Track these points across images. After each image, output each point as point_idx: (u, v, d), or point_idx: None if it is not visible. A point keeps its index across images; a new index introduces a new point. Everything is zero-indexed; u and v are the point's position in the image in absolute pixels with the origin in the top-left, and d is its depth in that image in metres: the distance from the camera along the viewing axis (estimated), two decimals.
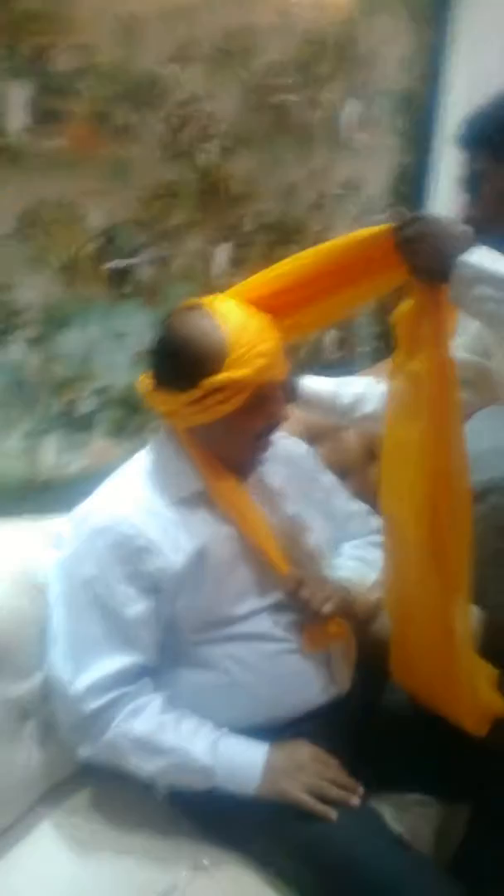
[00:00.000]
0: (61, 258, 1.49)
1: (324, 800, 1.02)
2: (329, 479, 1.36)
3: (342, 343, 2.43)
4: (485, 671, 1.25)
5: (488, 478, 1.85)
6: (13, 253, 1.44)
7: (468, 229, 1.01)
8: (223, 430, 1.09)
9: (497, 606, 1.81)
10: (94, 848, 1.09)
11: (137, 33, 1.52)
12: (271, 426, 1.12)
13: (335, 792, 1.03)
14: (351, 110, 2.21)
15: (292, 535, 1.20)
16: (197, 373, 1.04)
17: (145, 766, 1.05)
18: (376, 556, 1.28)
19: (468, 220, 1.15)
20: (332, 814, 1.01)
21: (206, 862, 1.06)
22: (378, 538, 1.34)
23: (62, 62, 1.40)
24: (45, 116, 1.40)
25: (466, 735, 1.12)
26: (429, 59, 2.50)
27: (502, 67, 2.52)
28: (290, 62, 1.92)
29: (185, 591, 1.08)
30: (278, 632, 1.13)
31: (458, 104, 2.51)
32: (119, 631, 1.06)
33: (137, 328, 1.68)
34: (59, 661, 1.07)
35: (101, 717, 1.05)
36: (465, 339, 1.33)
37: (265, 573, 1.13)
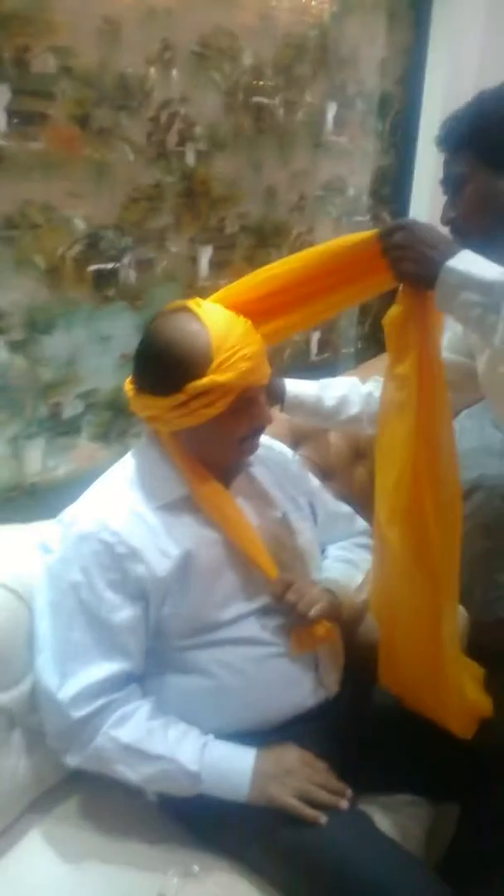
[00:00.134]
0: (45, 261, 1.49)
1: (313, 804, 1.02)
2: (314, 481, 1.36)
3: (326, 344, 2.44)
4: (471, 671, 1.26)
5: (474, 476, 1.86)
6: None
7: (451, 239, 1.02)
8: (207, 434, 1.09)
9: (483, 605, 1.83)
10: (84, 856, 1.08)
11: (117, 36, 1.52)
12: (255, 430, 1.12)
13: (324, 796, 1.03)
14: (331, 112, 2.22)
15: (278, 539, 1.20)
16: (181, 377, 1.04)
17: (133, 774, 1.04)
18: (362, 558, 1.28)
19: (449, 222, 1.16)
20: (322, 818, 1.01)
21: (196, 868, 1.05)
22: (364, 539, 1.35)
23: (41, 65, 1.39)
24: (26, 119, 1.39)
25: (454, 736, 1.12)
26: (407, 62, 2.52)
27: (479, 70, 2.55)
28: (271, 65, 1.93)
29: (171, 596, 1.08)
30: (265, 636, 1.13)
31: (436, 106, 2.53)
32: (105, 638, 1.05)
33: (122, 331, 1.68)
34: (45, 669, 1.07)
35: (88, 725, 1.04)
36: (449, 339, 1.34)
37: (251, 577, 1.13)
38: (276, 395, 1.33)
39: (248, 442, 1.13)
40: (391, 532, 1.07)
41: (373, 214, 2.55)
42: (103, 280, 1.62)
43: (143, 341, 1.10)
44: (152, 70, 1.60)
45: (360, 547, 1.34)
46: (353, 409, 1.36)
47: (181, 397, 1.04)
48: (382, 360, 1.14)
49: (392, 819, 1.18)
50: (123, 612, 1.06)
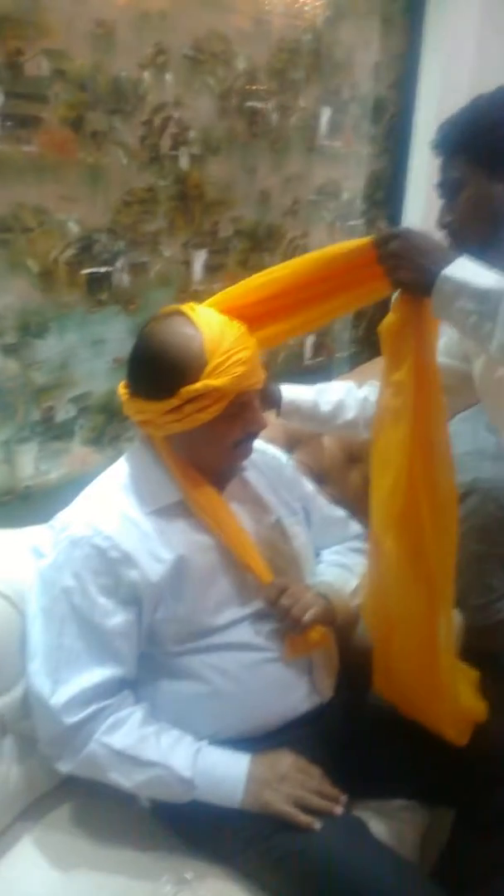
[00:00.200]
0: (38, 264, 1.48)
1: (307, 810, 1.02)
2: (308, 485, 1.36)
3: (320, 348, 2.44)
4: (466, 674, 1.25)
5: (469, 479, 1.86)
6: None
7: (447, 247, 1.02)
8: (201, 438, 1.08)
9: (477, 609, 1.83)
10: (76, 864, 1.08)
11: (111, 39, 1.51)
12: (249, 434, 1.12)
13: (318, 802, 1.03)
14: (325, 117, 2.22)
15: (272, 543, 1.19)
16: (175, 381, 1.03)
17: (126, 781, 1.04)
18: (357, 562, 1.28)
19: (445, 226, 1.16)
20: (316, 824, 1.00)
21: (189, 876, 1.05)
22: (358, 544, 1.34)
23: (35, 68, 1.39)
24: (19, 122, 1.38)
25: (449, 741, 1.12)
26: (401, 67, 2.53)
27: (473, 75, 2.56)
28: (265, 69, 1.93)
29: (164, 601, 1.07)
30: (259, 641, 1.13)
31: (430, 111, 2.55)
32: (98, 643, 1.05)
33: (115, 335, 1.67)
34: (37, 675, 1.06)
35: (81, 731, 1.03)
36: (445, 343, 1.34)
37: (245, 582, 1.13)
38: (273, 401, 1.33)
39: (241, 447, 1.13)
40: (387, 538, 1.06)
41: (367, 218, 2.56)
42: (96, 284, 1.61)
43: (137, 345, 1.09)
44: (146, 74, 1.61)
45: (355, 551, 1.33)
46: (350, 414, 1.36)
47: (175, 402, 1.04)
48: (376, 364, 1.14)
49: (386, 824, 1.17)
50: (116, 618, 1.05)
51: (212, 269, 1.90)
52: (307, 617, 1.11)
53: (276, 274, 1.10)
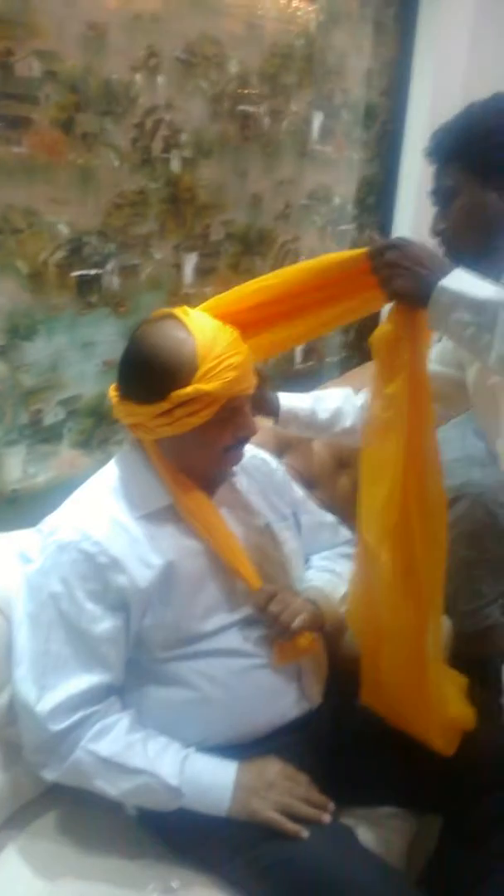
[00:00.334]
0: (28, 266, 1.47)
1: (295, 818, 1.01)
2: (298, 491, 1.35)
3: (311, 353, 2.44)
4: (455, 681, 1.25)
5: (457, 485, 1.87)
6: None
7: (443, 258, 1.01)
8: (191, 442, 1.08)
9: (466, 615, 1.83)
10: (61, 872, 1.06)
11: (103, 41, 1.51)
12: (240, 440, 1.11)
13: (306, 810, 1.02)
14: (317, 122, 2.23)
15: (261, 549, 1.19)
16: (166, 384, 1.03)
17: (112, 789, 1.03)
18: (346, 568, 1.28)
19: (438, 234, 1.16)
20: (304, 832, 1.00)
21: (175, 885, 1.04)
22: (348, 549, 1.34)
23: (25, 69, 1.38)
24: (9, 123, 1.38)
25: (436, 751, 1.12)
26: (393, 73, 2.54)
27: (464, 81, 2.58)
28: (257, 73, 1.93)
29: (152, 607, 1.06)
30: (248, 647, 1.12)
31: (421, 117, 2.56)
32: (85, 649, 1.04)
33: (105, 338, 1.66)
34: (24, 681, 1.05)
35: (67, 738, 1.02)
36: (438, 351, 1.34)
37: (234, 588, 1.12)
38: (270, 409, 1.33)
39: (232, 452, 1.12)
40: (382, 550, 1.06)
41: (358, 224, 2.56)
42: (86, 286, 1.61)
43: (129, 348, 1.09)
44: (138, 76, 1.60)
45: (344, 557, 1.33)
46: (348, 422, 1.36)
47: (165, 405, 1.03)
48: (367, 369, 1.14)
49: (374, 832, 1.17)
50: (104, 624, 1.04)
51: (203, 273, 1.90)
52: (296, 623, 1.10)
53: (270, 281, 1.10)
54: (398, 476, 1.03)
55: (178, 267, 1.83)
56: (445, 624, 1.68)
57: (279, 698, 1.15)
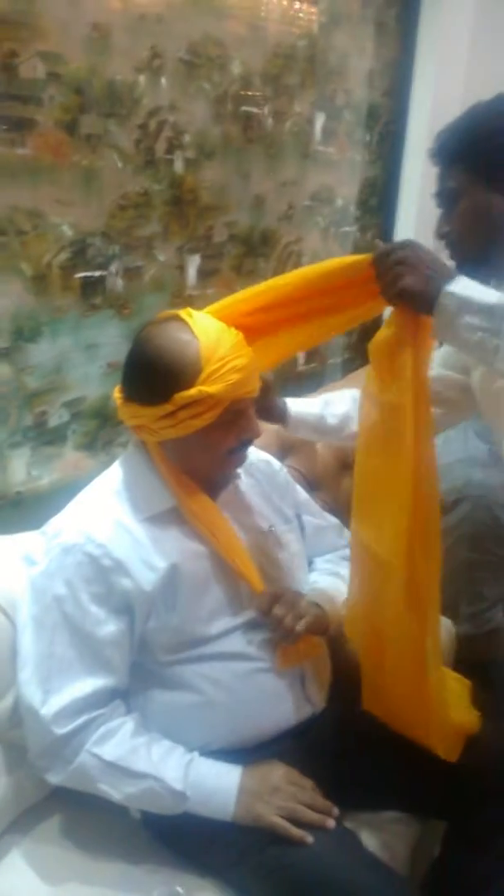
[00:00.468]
0: (32, 268, 1.47)
1: (299, 823, 1.01)
2: (301, 493, 1.35)
3: (313, 354, 2.44)
4: (459, 684, 1.25)
5: (459, 486, 1.86)
6: None
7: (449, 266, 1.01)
8: (195, 445, 1.07)
9: (469, 618, 1.83)
10: (66, 877, 1.06)
11: (106, 42, 1.51)
12: (244, 442, 1.11)
13: (310, 815, 1.02)
14: (319, 123, 2.23)
15: (265, 552, 1.19)
16: (170, 386, 1.02)
17: (116, 793, 1.02)
18: (349, 571, 1.27)
19: (443, 237, 1.16)
20: (308, 838, 0.99)
21: (180, 889, 1.03)
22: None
23: (30, 70, 1.38)
24: (13, 125, 1.37)
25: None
26: (395, 74, 2.54)
27: (466, 83, 2.58)
28: (259, 74, 1.93)
29: (156, 610, 1.06)
30: (252, 650, 1.12)
31: (423, 118, 2.56)
32: (89, 652, 1.03)
33: (109, 339, 1.66)
34: (28, 684, 1.04)
35: (71, 742, 1.02)
36: (442, 355, 1.33)
37: (238, 591, 1.12)
38: (279, 416, 1.33)
39: (236, 454, 1.12)
40: (389, 557, 1.05)
41: (360, 225, 2.56)
42: (90, 288, 1.60)
43: (133, 349, 1.08)
44: (141, 77, 1.60)
45: (347, 560, 1.33)
46: (356, 426, 1.35)
47: (168, 407, 1.03)
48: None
49: (378, 837, 1.17)
50: (108, 627, 1.04)
51: (206, 274, 1.90)
52: (300, 626, 1.10)
53: (274, 284, 1.09)
54: (407, 484, 1.02)
55: (181, 268, 1.83)
56: (448, 627, 1.68)
57: (283, 702, 1.14)
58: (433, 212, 1.19)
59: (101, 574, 1.03)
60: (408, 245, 0.99)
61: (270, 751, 1.11)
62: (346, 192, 2.45)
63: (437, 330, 0.98)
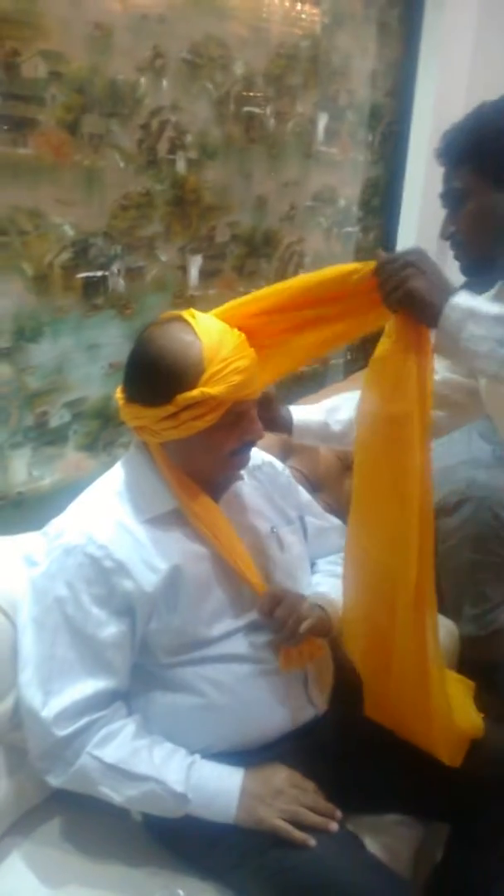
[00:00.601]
0: (33, 268, 1.47)
1: (302, 826, 1.00)
2: (304, 494, 1.35)
3: None
4: (462, 686, 1.24)
5: (463, 488, 1.86)
6: None
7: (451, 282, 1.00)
8: (197, 446, 1.07)
9: (472, 619, 1.82)
10: (66, 879, 1.06)
11: (109, 42, 1.50)
12: (246, 444, 1.10)
13: (313, 818, 1.01)
14: (322, 123, 2.22)
15: (267, 553, 1.18)
16: (172, 387, 1.02)
17: (117, 795, 1.02)
18: (344, 585, 1.26)
19: (448, 237, 1.15)
20: (311, 841, 0.99)
21: (181, 892, 1.03)
22: None
23: (31, 69, 1.37)
24: (15, 124, 1.37)
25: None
26: (398, 74, 2.53)
27: (469, 83, 2.57)
28: (262, 74, 1.93)
29: (158, 612, 1.06)
30: (254, 652, 1.11)
31: (426, 119, 2.55)
32: (90, 654, 1.03)
33: (110, 340, 1.66)
34: (29, 686, 1.04)
35: (72, 744, 1.02)
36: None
37: (240, 593, 1.11)
38: (283, 426, 1.33)
39: (238, 456, 1.11)
40: (401, 562, 1.04)
41: (363, 225, 2.56)
42: (92, 288, 1.60)
43: (135, 350, 1.08)
44: (143, 77, 1.59)
45: None
46: None
47: (170, 408, 1.02)
48: None
49: (381, 840, 1.16)
50: (109, 628, 1.03)
51: (208, 275, 1.89)
52: (302, 628, 1.09)
53: (276, 289, 1.09)
54: (413, 491, 1.01)
55: (183, 269, 1.83)
56: (451, 629, 1.67)
57: (285, 704, 1.14)
58: (436, 212, 1.18)
59: (103, 575, 1.03)
60: (416, 251, 0.99)
61: (273, 753, 1.10)
62: (349, 192, 2.45)
63: (440, 344, 0.97)
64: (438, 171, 1.16)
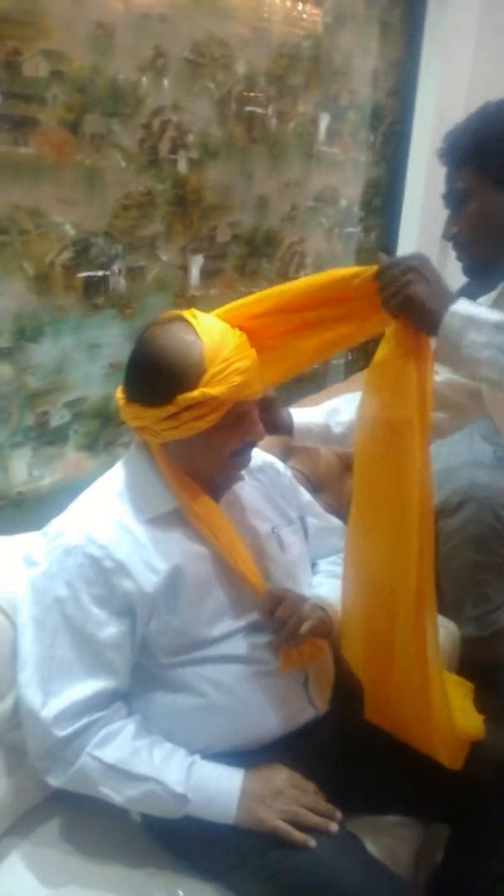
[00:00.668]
0: (34, 267, 1.46)
1: (302, 827, 1.00)
2: (305, 495, 1.34)
3: None
4: (461, 689, 1.24)
5: (465, 488, 1.86)
6: None
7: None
8: (198, 447, 1.07)
9: (474, 620, 1.82)
10: (65, 880, 1.05)
11: (110, 41, 1.50)
12: (247, 444, 1.10)
13: (313, 819, 1.01)
14: (323, 123, 2.22)
15: (268, 554, 1.18)
16: (172, 388, 1.02)
17: (117, 795, 1.02)
18: (342, 592, 1.26)
19: (451, 238, 1.15)
20: (311, 842, 0.99)
21: (180, 893, 1.03)
22: None
23: (33, 69, 1.37)
24: (16, 123, 1.37)
25: None
26: (399, 74, 2.53)
27: (471, 83, 2.57)
28: (264, 74, 1.93)
29: (158, 612, 1.06)
30: (254, 653, 1.11)
31: (427, 119, 2.55)
32: (90, 654, 1.03)
33: (111, 339, 1.66)
34: (28, 686, 1.04)
35: (72, 744, 1.01)
36: None
37: (241, 594, 1.11)
38: (285, 429, 1.33)
39: (239, 456, 1.11)
40: (403, 565, 1.04)
41: (364, 226, 2.56)
42: (93, 288, 1.60)
43: (136, 350, 1.08)
44: (145, 77, 1.59)
45: None
46: None
47: (171, 409, 1.02)
48: None
49: (381, 841, 1.16)
50: (109, 629, 1.03)
51: (209, 275, 1.89)
52: (303, 629, 1.09)
53: (278, 290, 1.09)
54: (412, 495, 1.01)
55: (184, 269, 1.82)
56: (452, 630, 1.67)
57: (285, 705, 1.13)
58: (437, 213, 1.18)
59: (103, 576, 1.03)
60: (417, 256, 0.98)
61: (273, 754, 1.10)
62: (350, 192, 2.45)
63: (442, 352, 0.97)
64: (440, 172, 1.16)
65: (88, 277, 1.58)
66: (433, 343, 0.99)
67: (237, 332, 1.06)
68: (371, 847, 1.10)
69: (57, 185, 1.47)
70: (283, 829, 0.99)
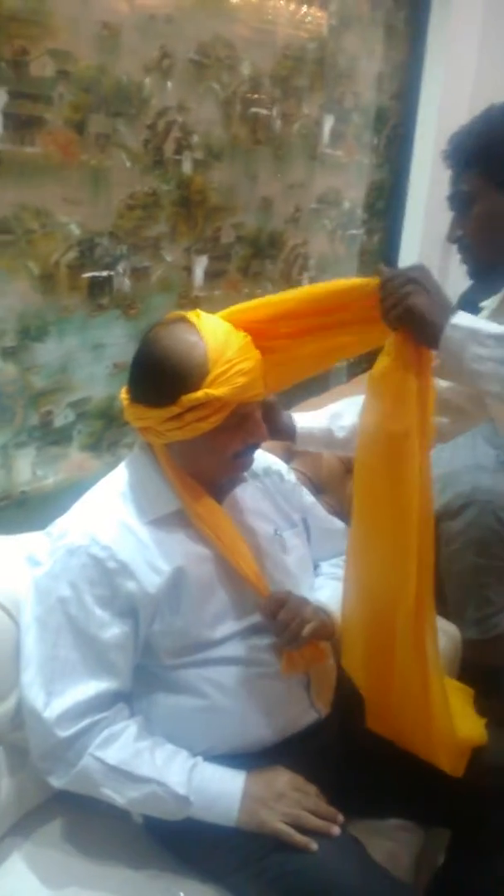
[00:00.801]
0: (39, 267, 1.47)
1: (304, 830, 1.00)
2: (308, 497, 1.34)
3: None
4: (462, 694, 1.23)
5: (467, 491, 1.86)
6: None
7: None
8: (201, 448, 1.06)
9: (476, 623, 1.82)
10: (66, 881, 1.05)
11: (116, 41, 1.50)
12: (250, 446, 1.10)
13: (315, 822, 1.01)
14: (327, 125, 2.22)
15: (271, 556, 1.17)
16: (176, 388, 1.01)
17: (119, 797, 1.02)
18: (342, 599, 1.26)
19: (455, 240, 1.15)
20: (313, 845, 0.98)
21: (181, 895, 1.02)
22: None
23: (39, 68, 1.37)
24: (23, 123, 1.37)
25: None
26: (403, 77, 2.54)
27: (474, 86, 2.57)
28: (268, 76, 1.93)
29: (161, 614, 1.05)
30: (256, 655, 1.11)
31: (431, 122, 2.56)
32: (93, 655, 1.03)
33: (115, 340, 1.66)
34: (31, 686, 1.03)
35: (74, 745, 1.01)
36: None
37: (243, 595, 1.11)
38: (287, 434, 1.32)
39: (242, 458, 1.11)
40: (405, 569, 1.03)
41: (367, 228, 2.56)
42: (97, 287, 1.60)
43: (140, 350, 1.07)
44: (150, 77, 1.59)
45: None
46: None
47: (175, 409, 1.02)
48: None
49: (382, 845, 1.16)
50: (112, 630, 1.03)
51: (213, 275, 1.89)
52: (306, 632, 1.08)
53: (281, 297, 1.09)
54: (416, 502, 1.00)
55: (188, 269, 1.82)
56: (453, 634, 1.67)
57: (288, 708, 1.13)
58: (441, 216, 1.18)
59: (106, 576, 1.03)
60: (418, 268, 0.98)
61: (275, 756, 1.09)
62: (354, 195, 2.45)
63: (444, 365, 0.97)
64: (443, 174, 1.16)
65: (93, 277, 1.58)
66: (435, 357, 0.98)
67: (241, 333, 1.06)
68: (372, 850, 1.10)
69: (62, 184, 1.47)
70: (285, 832, 0.99)
